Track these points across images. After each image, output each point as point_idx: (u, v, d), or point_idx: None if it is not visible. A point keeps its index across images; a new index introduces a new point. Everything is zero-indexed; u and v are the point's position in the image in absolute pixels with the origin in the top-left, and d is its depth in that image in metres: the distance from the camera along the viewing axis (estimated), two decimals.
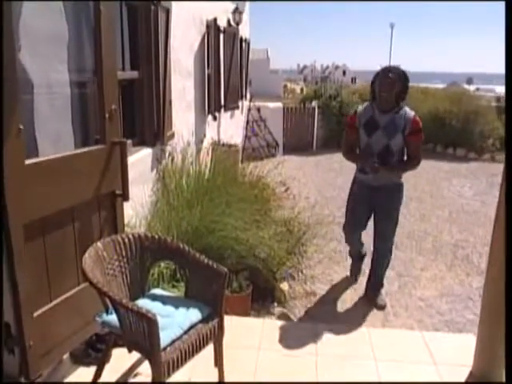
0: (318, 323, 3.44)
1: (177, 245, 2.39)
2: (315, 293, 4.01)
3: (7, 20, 1.82)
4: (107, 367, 2.35)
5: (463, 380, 2.59)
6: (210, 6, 6.84)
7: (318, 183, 8.25)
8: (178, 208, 3.83)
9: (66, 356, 2.51)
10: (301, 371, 2.65)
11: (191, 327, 2.16)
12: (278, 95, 19.03)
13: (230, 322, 2.69)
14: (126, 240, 2.36)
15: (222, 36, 7.39)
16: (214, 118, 7.35)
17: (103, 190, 2.48)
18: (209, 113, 7.03)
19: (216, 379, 2.41)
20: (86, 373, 2.44)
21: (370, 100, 3.51)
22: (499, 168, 2.76)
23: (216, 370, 2.39)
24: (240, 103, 9.48)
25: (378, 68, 3.56)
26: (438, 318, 3.71)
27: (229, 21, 8.21)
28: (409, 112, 3.38)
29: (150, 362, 1.96)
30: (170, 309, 2.24)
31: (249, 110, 10.61)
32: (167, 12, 4.45)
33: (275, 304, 3.74)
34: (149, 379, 2.00)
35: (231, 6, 8.32)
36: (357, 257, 4.16)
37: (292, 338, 3.00)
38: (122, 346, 2.25)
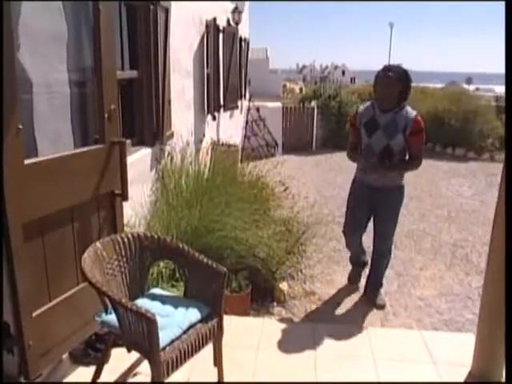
0: (317, 323, 3.44)
1: (176, 244, 2.39)
2: (314, 292, 4.01)
3: (7, 20, 1.82)
4: (106, 367, 2.35)
5: (462, 379, 2.59)
6: (209, 5, 6.84)
7: (318, 183, 8.25)
8: (178, 208, 3.83)
9: (65, 356, 2.52)
10: (300, 371, 2.65)
11: (190, 327, 2.16)
12: (278, 95, 19.04)
13: (230, 321, 2.69)
14: (126, 240, 2.36)
15: (221, 36, 7.39)
16: (214, 118, 7.34)
17: (102, 190, 2.48)
18: (208, 112, 7.03)
19: (215, 379, 2.41)
20: (86, 372, 2.44)
21: (372, 100, 3.48)
22: (498, 167, 2.76)
23: (215, 370, 2.39)
24: (239, 103, 9.48)
25: (377, 68, 3.50)
26: (437, 318, 3.71)
27: (228, 20, 8.21)
28: (410, 112, 3.32)
29: (150, 362, 1.96)
30: (169, 308, 2.24)
31: (248, 109, 10.61)
32: (166, 12, 4.45)
33: (274, 304, 3.75)
34: (148, 379, 2.00)
35: (231, 5, 8.32)
36: (357, 264, 4.06)
37: (291, 337, 3.01)
38: (121, 345, 2.24)
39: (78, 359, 2.55)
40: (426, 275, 4.50)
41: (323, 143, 11.83)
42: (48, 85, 2.27)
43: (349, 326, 3.23)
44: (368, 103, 3.53)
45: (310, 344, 2.92)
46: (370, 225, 3.69)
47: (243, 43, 9.51)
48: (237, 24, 8.47)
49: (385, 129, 3.32)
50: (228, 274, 2.28)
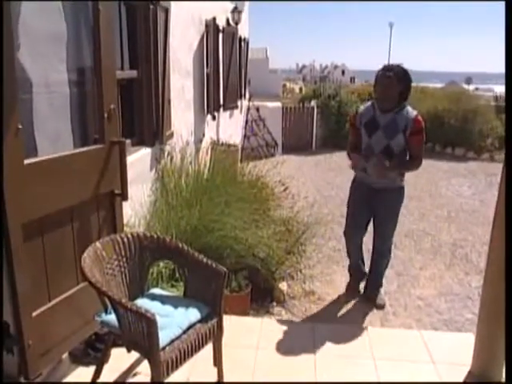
0: (317, 323, 3.45)
1: (176, 244, 2.39)
2: (314, 292, 4.01)
3: (7, 20, 1.82)
4: (106, 367, 2.35)
5: (462, 379, 2.59)
6: (209, 5, 6.84)
7: (317, 183, 8.25)
8: (177, 207, 3.83)
9: (65, 356, 2.51)
10: (300, 371, 2.65)
11: (190, 327, 2.16)
12: (277, 95, 19.07)
13: (229, 321, 2.69)
14: (125, 239, 2.36)
15: (221, 35, 7.39)
16: (213, 118, 7.34)
17: (102, 190, 2.48)
18: (208, 112, 7.02)
19: (215, 379, 2.41)
20: (85, 372, 2.44)
21: (372, 100, 3.46)
22: (498, 167, 2.76)
23: (215, 370, 2.39)
24: (239, 103, 9.48)
25: (377, 68, 3.47)
26: (436, 317, 3.71)
27: (228, 20, 8.21)
28: (411, 111, 3.29)
29: (149, 362, 1.96)
30: (169, 308, 2.25)
31: (248, 109, 10.61)
32: (166, 11, 4.45)
33: (274, 304, 3.75)
34: (148, 379, 2.00)
35: (230, 5, 8.32)
36: (355, 274, 3.92)
37: (291, 337, 3.01)
38: (121, 345, 2.24)
39: (78, 359, 2.55)
40: (426, 275, 4.50)
41: (323, 143, 11.83)
42: (48, 85, 2.27)
43: (349, 326, 3.23)
44: (368, 103, 3.51)
45: (309, 344, 2.92)
46: (370, 225, 3.68)
47: (243, 43, 9.51)
48: (236, 24, 8.46)
49: (385, 129, 3.30)
50: (228, 273, 2.28)
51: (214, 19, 6.96)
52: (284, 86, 24.90)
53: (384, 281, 3.88)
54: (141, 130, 4.28)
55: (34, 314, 2.13)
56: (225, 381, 2.42)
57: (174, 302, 2.32)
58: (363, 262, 3.91)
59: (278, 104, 12.03)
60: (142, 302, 2.25)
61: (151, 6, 4.06)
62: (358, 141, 3.49)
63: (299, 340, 2.98)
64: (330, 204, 6.72)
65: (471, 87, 27.70)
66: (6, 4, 1.81)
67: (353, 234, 3.70)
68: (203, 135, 6.66)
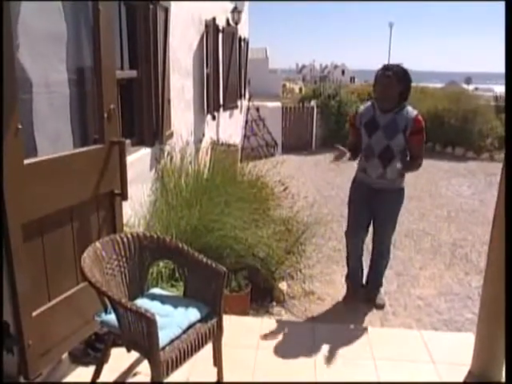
0: (316, 323, 3.45)
1: (176, 244, 2.39)
2: (314, 292, 4.00)
3: (7, 20, 1.82)
4: (106, 367, 2.35)
5: (462, 379, 2.59)
6: (209, 5, 6.84)
7: (317, 182, 8.26)
8: (177, 207, 3.83)
9: (64, 355, 2.51)
10: (299, 371, 2.65)
11: (190, 326, 2.16)
12: (277, 95, 19.06)
13: (229, 321, 2.69)
14: (125, 239, 2.36)
15: (220, 35, 7.39)
16: (213, 118, 7.34)
17: (102, 190, 2.48)
18: (208, 112, 7.02)
19: (215, 378, 2.41)
20: (85, 372, 2.44)
21: (372, 100, 3.44)
22: (498, 167, 2.76)
23: (215, 370, 2.39)
24: (239, 103, 9.48)
25: (377, 67, 3.45)
26: (436, 317, 3.71)
27: (228, 20, 8.21)
28: (411, 111, 3.27)
29: (149, 362, 1.96)
30: (168, 308, 2.25)
31: (248, 109, 10.61)
32: (166, 11, 4.45)
33: (274, 303, 3.75)
34: (148, 378, 2.00)
35: (230, 5, 8.32)
36: (352, 284, 3.83)
37: (291, 337, 3.01)
38: (120, 345, 2.25)
39: (78, 359, 2.55)
40: (426, 275, 4.50)
41: (323, 143, 11.83)
42: (47, 85, 2.27)
43: (349, 326, 3.23)
44: (368, 103, 3.49)
45: (309, 344, 2.92)
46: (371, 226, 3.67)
47: (243, 43, 9.51)
48: (236, 24, 8.47)
49: (385, 129, 3.28)
50: (227, 273, 2.28)
51: (214, 19, 6.96)
52: (284, 85, 24.90)
53: (384, 281, 3.87)
54: (140, 130, 4.28)
55: (34, 313, 2.13)
56: (225, 381, 2.42)
57: (174, 301, 2.32)
58: (362, 271, 3.83)
59: (278, 104, 12.03)
60: (142, 302, 2.25)
61: (151, 6, 4.06)
62: (357, 141, 3.47)
63: (299, 340, 2.98)
64: (329, 204, 6.72)
65: (471, 87, 27.70)
66: (5, 4, 1.80)
67: (354, 236, 3.66)
68: (203, 135, 6.66)
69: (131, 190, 2.78)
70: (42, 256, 2.16)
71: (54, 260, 2.24)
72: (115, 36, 3.50)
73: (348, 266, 3.83)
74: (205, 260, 2.31)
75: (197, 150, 5.28)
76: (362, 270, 3.83)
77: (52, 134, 2.37)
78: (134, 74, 4.09)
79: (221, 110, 7.80)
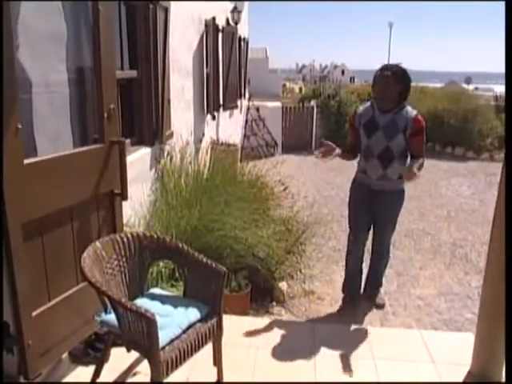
0: (316, 323, 3.45)
1: (176, 244, 2.39)
2: (314, 292, 4.01)
3: (6, 20, 1.82)
4: (106, 366, 2.35)
5: (462, 379, 2.59)
6: (208, 5, 6.84)
7: (317, 182, 8.26)
8: (177, 207, 3.83)
9: (64, 355, 2.51)
10: (299, 370, 2.65)
11: (190, 326, 2.16)
12: (277, 94, 19.06)
13: (229, 321, 2.69)
14: (125, 239, 2.36)
15: (220, 35, 7.39)
16: (213, 118, 7.34)
17: (102, 190, 2.48)
18: (208, 112, 7.03)
19: (215, 378, 2.41)
20: (85, 372, 2.44)
21: (371, 100, 3.41)
22: (498, 167, 2.76)
23: (215, 369, 2.39)
24: (239, 102, 9.48)
25: (377, 67, 3.41)
26: (436, 317, 3.72)
27: (227, 20, 8.21)
28: (410, 111, 3.23)
29: (149, 362, 1.96)
30: (168, 308, 2.25)
31: (248, 109, 10.61)
32: (166, 11, 4.45)
33: (274, 303, 3.75)
34: (148, 378, 2.00)
35: (230, 5, 8.32)
36: (349, 294, 3.73)
37: (291, 337, 3.01)
38: (120, 345, 2.25)
39: (78, 359, 2.55)
40: (426, 275, 4.50)
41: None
42: (47, 84, 2.27)
43: (348, 326, 3.23)
44: (367, 103, 3.45)
45: (309, 344, 2.92)
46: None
47: (242, 43, 9.51)
48: (236, 23, 8.47)
49: (384, 129, 3.24)
50: (227, 273, 2.28)
51: (214, 19, 6.96)
52: (284, 85, 24.90)
53: (384, 280, 3.87)
54: (140, 130, 4.28)
55: (34, 313, 2.13)
56: (224, 381, 2.42)
57: (174, 301, 2.32)
58: (361, 276, 3.75)
59: (278, 104, 12.04)
60: (142, 302, 2.25)
61: (151, 6, 4.06)
62: (356, 141, 3.44)
63: (299, 340, 2.98)
64: (329, 204, 6.73)
65: (471, 87, 27.70)
66: (5, 4, 1.80)
67: (355, 241, 3.57)
68: (203, 135, 6.66)
69: (131, 189, 2.78)
70: (41, 256, 2.16)
71: (54, 260, 2.24)
72: (115, 36, 3.50)
73: (346, 269, 3.72)
74: (205, 260, 2.31)
75: (197, 150, 5.28)
76: (361, 275, 3.75)
77: (52, 133, 2.37)
78: (133, 73, 4.09)
79: (221, 109, 7.80)
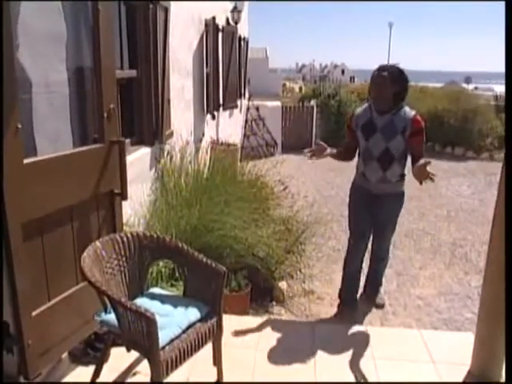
0: (316, 322, 3.45)
1: (175, 244, 2.39)
2: (313, 291, 4.01)
3: (6, 20, 1.82)
4: (106, 366, 2.35)
5: (461, 379, 2.59)
6: (208, 5, 6.84)
7: (317, 182, 8.26)
8: (177, 207, 3.83)
9: (64, 355, 2.51)
10: (299, 370, 2.65)
11: (190, 326, 2.16)
12: (277, 94, 19.03)
13: (229, 320, 2.70)
14: (125, 239, 2.36)
15: (220, 35, 7.39)
16: (213, 117, 7.34)
17: (102, 189, 2.48)
18: (207, 112, 7.03)
19: (214, 378, 2.41)
20: (85, 372, 2.44)
21: (369, 101, 3.36)
22: (497, 167, 2.76)
23: (215, 369, 2.39)
24: (239, 102, 9.48)
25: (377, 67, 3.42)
26: (436, 317, 3.72)
27: (227, 20, 8.21)
28: (409, 112, 3.19)
29: (149, 361, 1.96)
30: (168, 308, 2.25)
31: (247, 108, 10.61)
32: (166, 11, 4.45)
33: (274, 303, 3.75)
34: (147, 378, 2.00)
35: (230, 5, 8.32)
36: (348, 294, 3.64)
37: (290, 336, 3.01)
38: (120, 345, 2.25)
39: (78, 358, 2.55)
40: (426, 274, 4.50)
41: (322, 142, 11.82)
42: (47, 84, 2.27)
43: (348, 326, 3.23)
44: (365, 105, 3.39)
45: (309, 343, 2.92)
46: None
47: (242, 42, 9.51)
48: (236, 23, 8.47)
49: (383, 131, 3.19)
50: (227, 273, 2.28)
51: (214, 19, 6.96)
52: (284, 85, 24.90)
53: (383, 280, 3.88)
54: (140, 130, 4.28)
55: (34, 313, 2.13)
56: (224, 380, 2.42)
57: (174, 301, 2.32)
58: (358, 285, 3.68)
59: (278, 103, 12.03)
60: (142, 302, 2.26)
61: (151, 6, 4.06)
62: (353, 144, 3.38)
63: (299, 339, 2.98)
64: (329, 204, 6.73)
65: (471, 86, 27.69)
66: (5, 4, 1.80)
67: (356, 241, 3.51)
68: (203, 134, 6.66)
69: (131, 189, 2.79)
70: (41, 255, 2.16)
71: (54, 259, 2.24)
72: (115, 36, 3.49)
73: (344, 272, 3.63)
74: (205, 260, 2.31)
75: (196, 150, 5.28)
76: (359, 281, 3.67)
77: (52, 133, 2.37)
78: (133, 73, 4.09)
79: (220, 109, 7.80)
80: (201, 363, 2.47)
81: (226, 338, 2.37)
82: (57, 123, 2.40)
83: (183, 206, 3.81)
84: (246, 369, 2.63)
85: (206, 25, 6.74)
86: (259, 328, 3.08)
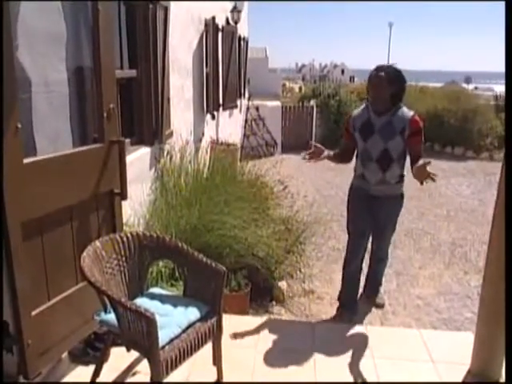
0: (316, 322, 3.45)
1: (175, 243, 2.39)
2: (313, 291, 4.01)
3: (6, 20, 1.82)
4: (106, 366, 2.35)
5: (461, 378, 2.59)
6: (208, 4, 6.84)
7: (317, 182, 8.26)
8: (177, 207, 3.83)
9: (64, 355, 2.51)
10: (299, 370, 2.65)
11: (190, 326, 2.16)
12: (277, 94, 19.01)
13: (229, 320, 2.69)
14: (125, 239, 2.36)
15: (220, 35, 7.39)
16: (213, 117, 7.34)
17: (101, 189, 2.48)
18: (207, 111, 7.03)
19: (214, 378, 2.41)
20: (85, 372, 2.44)
21: (367, 101, 3.33)
22: (497, 166, 2.76)
23: (214, 369, 2.40)
24: (238, 102, 9.48)
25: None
26: (436, 317, 3.72)
27: (227, 19, 8.21)
28: (407, 112, 3.17)
29: (149, 361, 1.96)
30: (168, 308, 2.25)
31: (247, 108, 10.61)
32: (165, 11, 4.44)
33: (273, 303, 3.75)
34: (147, 378, 2.00)
35: (230, 4, 8.32)
36: (348, 297, 3.56)
37: (290, 336, 3.01)
38: (120, 344, 2.25)
39: (78, 358, 2.55)
40: (425, 274, 4.50)
41: (322, 142, 11.68)
42: (47, 84, 2.27)
43: (348, 326, 3.23)
44: (363, 105, 3.36)
45: (309, 343, 2.92)
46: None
47: (242, 42, 9.51)
48: (236, 23, 8.47)
49: (381, 132, 3.16)
50: (227, 273, 2.29)
51: (214, 18, 6.96)
52: (283, 85, 24.89)
53: (383, 280, 3.87)
54: (140, 130, 4.28)
55: (34, 313, 2.13)
56: (224, 380, 2.42)
57: (174, 301, 2.32)
58: (358, 287, 3.62)
59: (278, 103, 12.03)
60: (142, 302, 2.26)
61: (150, 6, 4.06)
62: (351, 145, 3.36)
63: (299, 339, 2.98)
64: (329, 203, 6.73)
65: (470, 86, 27.69)
66: (5, 4, 1.80)
67: (356, 244, 3.46)
68: (203, 134, 6.66)
69: (131, 189, 2.79)
70: (41, 255, 2.16)
71: (54, 259, 2.24)
72: (115, 36, 3.50)
73: (344, 274, 3.57)
74: (204, 259, 2.31)
75: (196, 150, 5.29)
76: (359, 282, 3.61)
77: (51, 133, 2.37)
78: (133, 73, 4.08)
79: (220, 109, 7.80)
80: (200, 363, 2.47)
81: (226, 337, 2.37)
82: (56, 123, 2.40)
83: (183, 206, 3.81)
84: (245, 368, 2.63)
85: (206, 24, 6.74)
86: (259, 328, 3.08)
